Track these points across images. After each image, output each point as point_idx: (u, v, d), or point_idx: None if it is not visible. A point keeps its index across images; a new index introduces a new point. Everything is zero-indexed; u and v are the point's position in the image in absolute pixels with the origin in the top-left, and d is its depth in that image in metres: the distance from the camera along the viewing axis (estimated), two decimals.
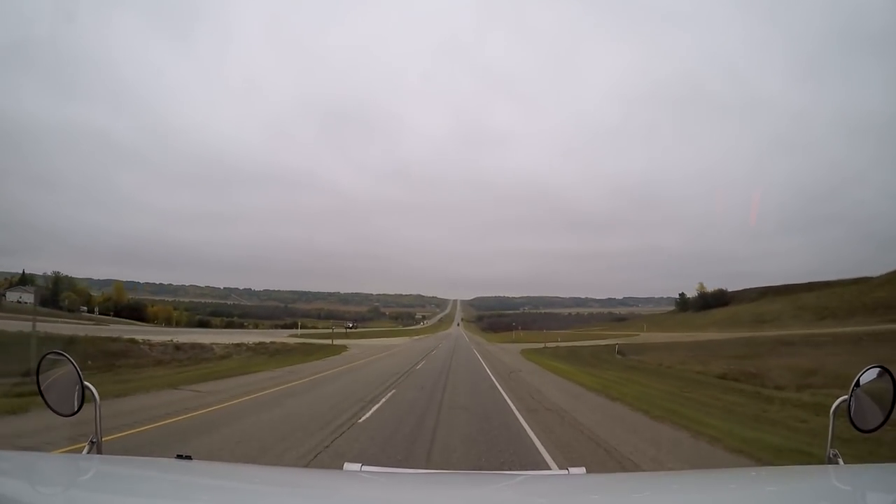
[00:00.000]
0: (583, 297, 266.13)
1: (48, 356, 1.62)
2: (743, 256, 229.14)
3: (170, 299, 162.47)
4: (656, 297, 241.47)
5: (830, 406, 1.52)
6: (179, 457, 1.54)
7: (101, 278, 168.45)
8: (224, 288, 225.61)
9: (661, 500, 1.36)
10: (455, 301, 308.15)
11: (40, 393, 1.58)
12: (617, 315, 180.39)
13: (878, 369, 1.47)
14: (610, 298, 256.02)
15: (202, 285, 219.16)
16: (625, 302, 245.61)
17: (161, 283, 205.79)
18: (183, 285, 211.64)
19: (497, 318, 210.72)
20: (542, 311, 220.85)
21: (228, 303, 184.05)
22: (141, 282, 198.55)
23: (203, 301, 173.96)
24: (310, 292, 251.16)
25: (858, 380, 1.48)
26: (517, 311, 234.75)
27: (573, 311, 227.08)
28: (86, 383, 1.54)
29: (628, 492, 1.45)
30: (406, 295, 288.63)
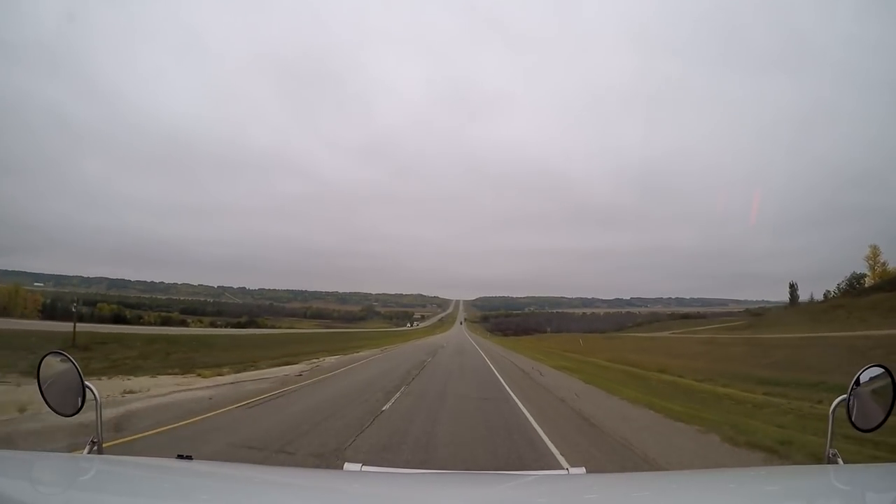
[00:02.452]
0: (589, 297, 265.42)
1: (49, 356, 1.67)
2: (757, 254, 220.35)
3: (146, 296, 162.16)
4: (665, 297, 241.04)
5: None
6: (180, 457, 1.60)
7: (92, 276, 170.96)
8: (218, 286, 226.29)
9: (660, 500, 1.39)
10: (457, 301, 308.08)
11: (41, 393, 1.63)
12: (676, 313, 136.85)
13: (878, 368, 1.52)
14: (617, 299, 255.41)
15: (195, 284, 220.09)
16: (632, 303, 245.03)
17: (153, 282, 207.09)
18: (175, 283, 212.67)
19: (504, 318, 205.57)
20: (556, 311, 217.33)
21: (207, 300, 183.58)
22: (132, 280, 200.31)
23: (190, 299, 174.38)
24: (306, 291, 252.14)
25: (858, 378, 1.53)
26: (522, 312, 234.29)
27: (585, 311, 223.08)
28: (87, 383, 1.59)
29: (628, 492, 1.48)
30: (406, 295, 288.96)
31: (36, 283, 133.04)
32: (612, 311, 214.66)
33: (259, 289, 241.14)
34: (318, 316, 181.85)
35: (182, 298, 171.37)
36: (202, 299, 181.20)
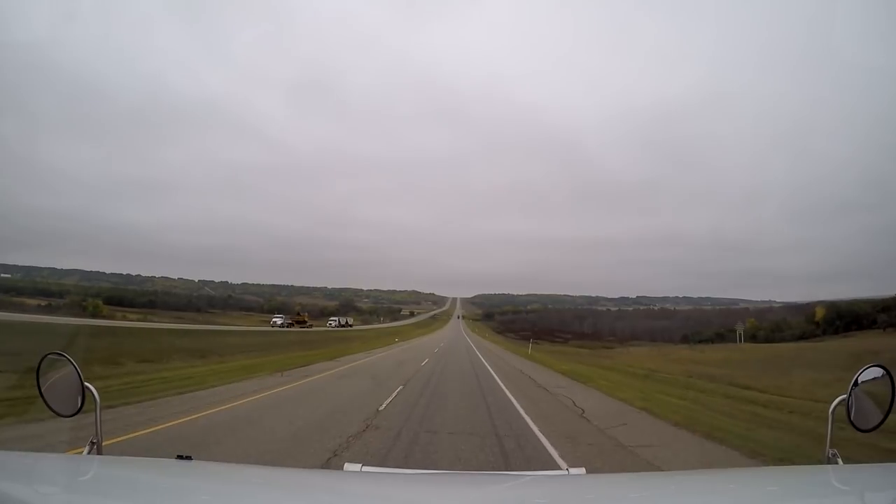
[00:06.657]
0: (593, 295, 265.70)
1: (48, 356, 1.75)
2: (774, 246, 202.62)
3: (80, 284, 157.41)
4: (672, 296, 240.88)
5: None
6: (180, 457, 1.68)
7: (65, 268, 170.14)
8: (198, 280, 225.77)
9: (660, 500, 1.47)
10: (454, 299, 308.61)
11: (41, 394, 1.71)
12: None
13: (877, 369, 1.62)
14: (623, 297, 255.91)
15: (174, 277, 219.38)
16: (639, 301, 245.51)
17: (129, 274, 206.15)
18: (152, 276, 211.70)
19: (513, 314, 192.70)
20: (591, 308, 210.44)
21: (155, 290, 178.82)
22: (106, 272, 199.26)
23: (136, 288, 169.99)
24: (293, 286, 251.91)
25: (857, 379, 1.64)
26: (526, 309, 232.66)
27: (609, 308, 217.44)
28: (86, 384, 1.67)
29: (627, 492, 1.57)
30: (400, 291, 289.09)
31: (3, 275, 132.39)
32: (641, 308, 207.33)
33: (242, 283, 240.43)
34: (280, 310, 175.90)
35: (123, 287, 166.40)
36: (180, 293, 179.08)
